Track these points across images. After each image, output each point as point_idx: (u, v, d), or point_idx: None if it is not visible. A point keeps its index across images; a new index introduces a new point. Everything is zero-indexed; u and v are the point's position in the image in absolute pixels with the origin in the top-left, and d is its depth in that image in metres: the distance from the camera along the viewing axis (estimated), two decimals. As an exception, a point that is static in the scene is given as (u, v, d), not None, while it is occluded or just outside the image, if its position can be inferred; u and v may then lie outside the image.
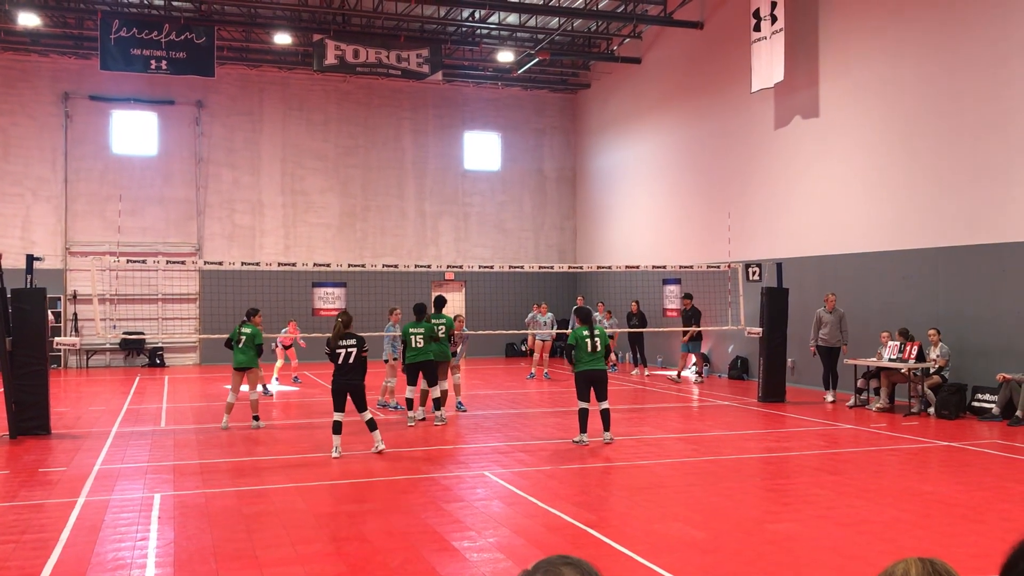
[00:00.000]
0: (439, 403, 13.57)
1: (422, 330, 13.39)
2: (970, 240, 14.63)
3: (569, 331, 13.94)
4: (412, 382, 13.58)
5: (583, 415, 11.50)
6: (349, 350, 10.80)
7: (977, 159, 14.51)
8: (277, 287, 23.17)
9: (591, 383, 11.48)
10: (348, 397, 10.87)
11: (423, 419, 13.73)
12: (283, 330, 19.20)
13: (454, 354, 15.00)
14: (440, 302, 14.22)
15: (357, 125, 27.51)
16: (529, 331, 21.50)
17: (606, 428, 11.65)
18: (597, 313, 21.15)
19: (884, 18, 16.44)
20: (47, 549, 6.89)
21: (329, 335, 11.04)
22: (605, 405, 11.66)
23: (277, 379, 18.96)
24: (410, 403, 13.60)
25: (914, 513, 7.91)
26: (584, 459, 10.66)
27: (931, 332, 14.42)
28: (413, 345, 13.38)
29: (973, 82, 14.58)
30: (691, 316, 20.03)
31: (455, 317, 15.46)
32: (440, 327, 13.80)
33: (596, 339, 11.45)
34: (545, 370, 21.29)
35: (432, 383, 13.53)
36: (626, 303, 22.06)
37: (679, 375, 20.15)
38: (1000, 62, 14.10)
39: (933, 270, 15.38)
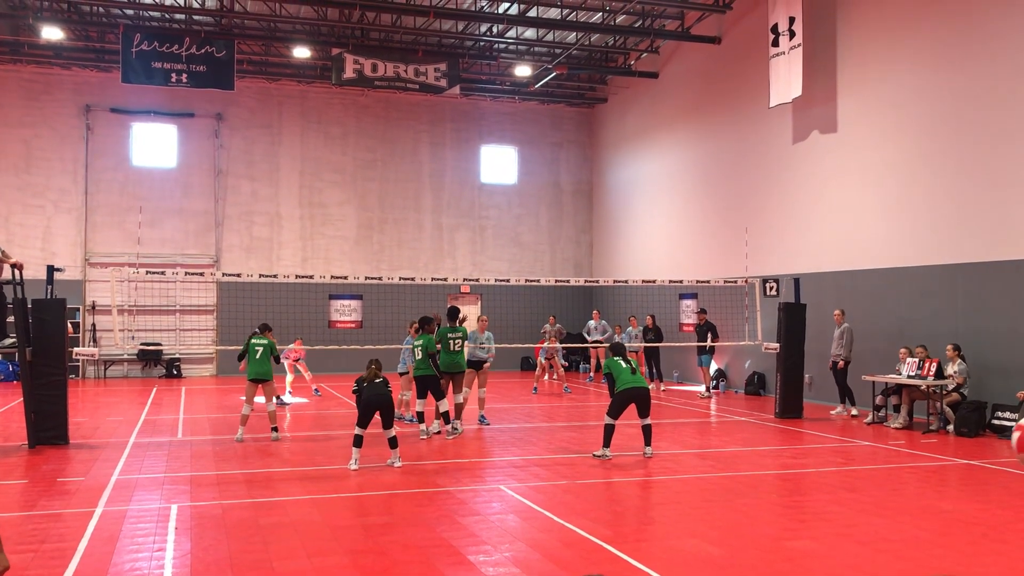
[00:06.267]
0: (447, 416, 13.55)
1: (420, 343, 13.37)
2: (990, 256, 14.53)
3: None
4: (421, 395, 13.55)
5: (609, 430, 11.51)
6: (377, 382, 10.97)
7: (997, 174, 14.43)
8: (294, 299, 23.29)
9: (632, 400, 11.51)
10: (376, 413, 10.87)
11: (438, 432, 13.71)
12: (289, 346, 19.19)
13: (483, 363, 15.10)
14: (453, 313, 14.16)
15: (375, 138, 27.66)
16: (546, 345, 21.60)
17: (647, 443, 11.72)
18: (631, 328, 21.61)
19: (902, 33, 16.40)
20: (65, 559, 6.92)
21: (363, 375, 10.99)
22: (648, 421, 11.72)
23: (290, 392, 18.98)
24: (421, 416, 13.62)
25: (933, 532, 7.84)
26: (600, 474, 10.62)
27: (948, 348, 14.34)
28: (416, 357, 13.41)
29: (992, 97, 14.51)
30: (705, 330, 20.04)
31: (478, 318, 15.58)
32: (457, 340, 13.79)
33: (631, 363, 11.69)
34: (565, 384, 21.38)
35: (439, 396, 13.47)
36: (642, 317, 22.02)
37: (708, 389, 20.09)
38: (1020, 76, 14.02)
39: (952, 287, 15.28)
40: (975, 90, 14.85)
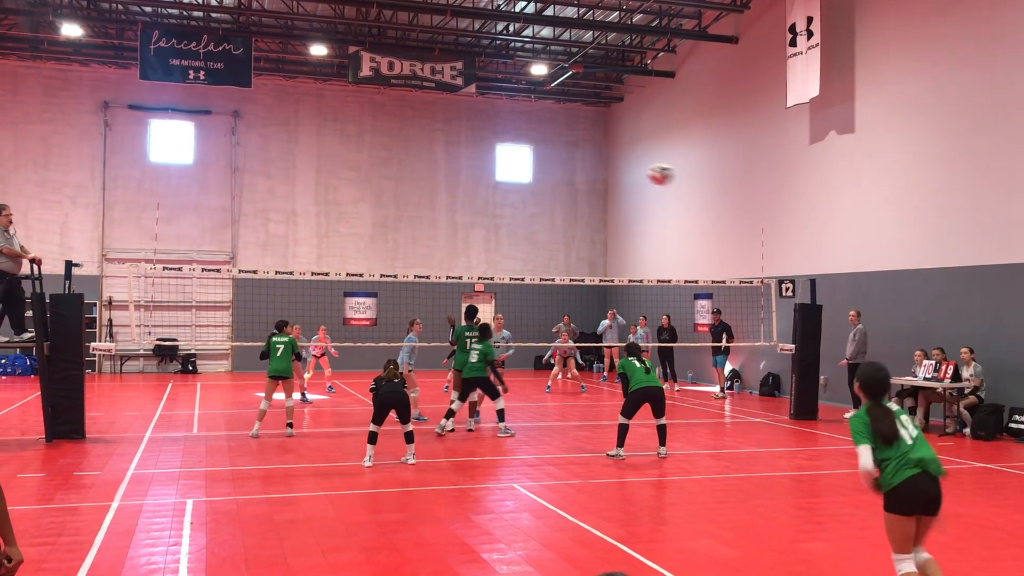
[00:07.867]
0: (501, 415, 13.49)
1: (480, 347, 13.33)
2: (1008, 259, 14.42)
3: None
4: (465, 397, 13.57)
5: (623, 430, 11.50)
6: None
7: (1015, 176, 14.31)
8: (309, 296, 23.35)
9: (647, 400, 11.49)
10: (391, 412, 10.91)
11: (452, 430, 13.72)
12: (313, 338, 19.28)
13: (502, 363, 15.20)
14: (471, 312, 14.18)
15: (391, 136, 27.71)
16: (558, 344, 21.58)
17: (662, 443, 11.72)
18: (640, 328, 21.49)
19: (921, 34, 16.31)
20: (82, 552, 6.97)
21: (381, 374, 11.05)
22: (662, 421, 11.71)
23: (306, 388, 19.00)
24: (450, 412, 13.57)
25: (949, 535, 7.77)
26: (614, 474, 10.61)
27: (964, 351, 14.24)
28: (471, 359, 13.41)
29: (1011, 97, 14.40)
30: (720, 331, 19.99)
31: (494, 317, 15.57)
32: (474, 339, 13.80)
33: (645, 363, 11.67)
34: (582, 384, 21.40)
35: (494, 396, 13.43)
36: (657, 317, 21.98)
37: (722, 390, 20.02)
38: (1041, 79, 13.92)
39: (970, 289, 15.17)
40: (993, 90, 14.74)
